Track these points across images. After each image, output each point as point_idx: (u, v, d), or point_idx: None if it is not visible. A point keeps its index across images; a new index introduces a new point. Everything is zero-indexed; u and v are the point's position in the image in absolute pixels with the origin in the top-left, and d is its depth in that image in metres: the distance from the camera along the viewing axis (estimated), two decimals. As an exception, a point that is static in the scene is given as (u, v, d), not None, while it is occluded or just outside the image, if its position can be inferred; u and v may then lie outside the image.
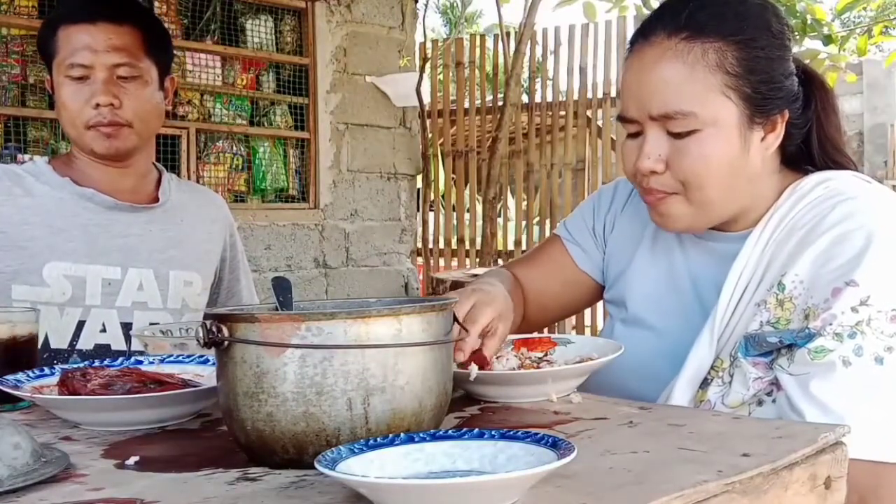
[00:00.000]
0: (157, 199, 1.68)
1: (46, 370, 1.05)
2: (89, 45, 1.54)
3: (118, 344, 1.59)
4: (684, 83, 1.08)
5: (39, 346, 1.21)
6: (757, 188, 1.15)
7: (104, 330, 1.58)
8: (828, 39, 4.65)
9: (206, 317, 0.81)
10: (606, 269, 1.38)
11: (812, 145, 1.19)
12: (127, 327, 1.60)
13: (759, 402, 1.08)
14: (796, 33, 4.24)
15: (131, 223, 1.63)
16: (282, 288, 0.96)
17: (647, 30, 1.13)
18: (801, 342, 1.03)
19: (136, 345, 1.48)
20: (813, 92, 1.18)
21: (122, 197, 1.63)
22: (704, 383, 1.12)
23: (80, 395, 0.95)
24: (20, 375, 1.01)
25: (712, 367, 1.12)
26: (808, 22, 4.38)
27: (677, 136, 1.10)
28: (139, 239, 1.63)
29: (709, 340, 1.12)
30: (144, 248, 1.63)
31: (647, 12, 5.18)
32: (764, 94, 1.10)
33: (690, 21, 1.09)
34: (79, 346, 1.56)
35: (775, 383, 1.07)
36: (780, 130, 1.13)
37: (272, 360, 0.75)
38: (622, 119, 1.16)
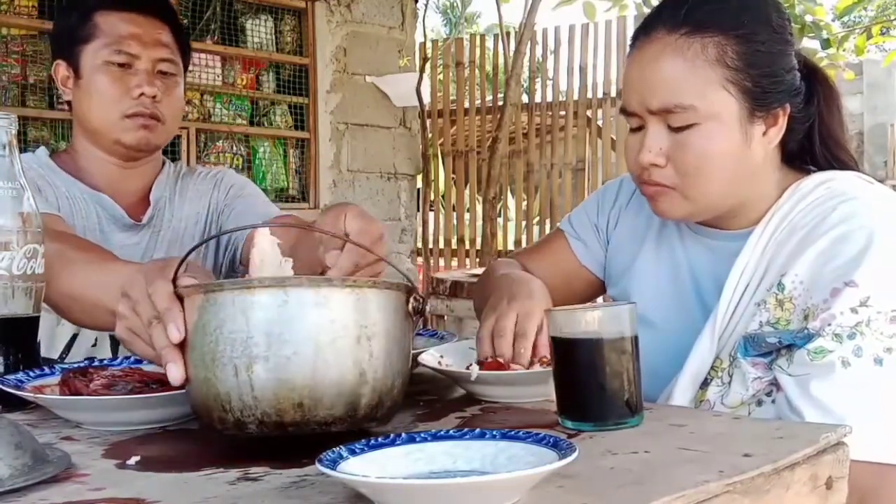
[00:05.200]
0: (148, 203, 1.62)
1: (47, 370, 1.04)
2: (138, 35, 1.52)
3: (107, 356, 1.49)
4: (684, 78, 1.09)
5: None
6: (758, 183, 1.15)
7: (95, 344, 1.53)
8: (826, 43, 4.66)
9: None
10: (608, 264, 1.38)
11: (814, 142, 1.19)
12: (117, 342, 1.50)
13: (759, 403, 1.08)
14: (794, 34, 4.24)
15: (130, 236, 1.58)
16: None
17: (649, 26, 1.14)
18: (800, 343, 1.03)
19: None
20: (815, 87, 1.18)
21: (123, 203, 1.58)
22: (704, 383, 1.12)
23: (81, 394, 0.95)
24: (21, 375, 1.01)
25: (712, 367, 1.12)
26: (807, 23, 4.39)
27: (678, 130, 1.10)
28: (131, 250, 1.57)
29: (710, 339, 1.12)
30: (137, 259, 1.54)
31: (647, 11, 5.19)
32: (765, 87, 1.10)
33: (690, 16, 1.10)
34: (69, 359, 1.50)
35: (775, 384, 1.07)
36: (782, 124, 1.13)
37: (191, 327, 0.81)
38: (624, 112, 1.17)
